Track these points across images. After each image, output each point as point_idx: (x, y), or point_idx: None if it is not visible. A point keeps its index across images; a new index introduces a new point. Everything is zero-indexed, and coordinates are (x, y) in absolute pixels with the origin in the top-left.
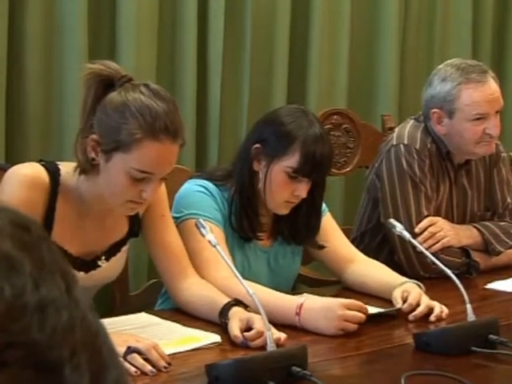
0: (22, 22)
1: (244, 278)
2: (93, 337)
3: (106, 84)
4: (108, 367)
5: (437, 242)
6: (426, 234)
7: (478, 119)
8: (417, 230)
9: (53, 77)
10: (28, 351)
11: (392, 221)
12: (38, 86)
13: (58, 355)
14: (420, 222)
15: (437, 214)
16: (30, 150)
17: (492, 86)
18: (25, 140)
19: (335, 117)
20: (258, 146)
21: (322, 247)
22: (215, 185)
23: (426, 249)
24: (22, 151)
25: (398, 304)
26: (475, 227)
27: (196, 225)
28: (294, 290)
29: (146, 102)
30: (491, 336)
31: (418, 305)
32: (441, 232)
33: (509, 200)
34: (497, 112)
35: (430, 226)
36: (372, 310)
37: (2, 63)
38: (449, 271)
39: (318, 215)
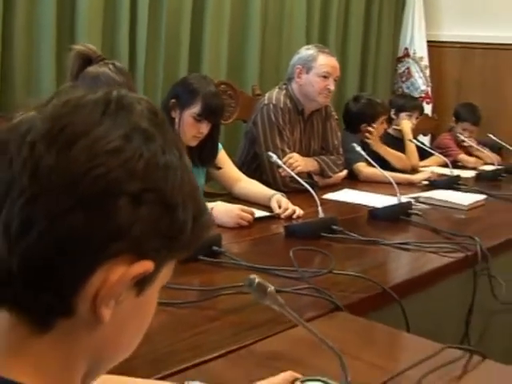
0: (12, 21)
1: None
2: (194, 190)
3: (86, 60)
4: (202, 211)
5: (294, 169)
6: (287, 164)
7: (324, 77)
8: (280, 163)
9: (33, 55)
10: (157, 195)
11: (270, 153)
12: (23, 64)
13: (176, 200)
14: (283, 155)
15: (293, 150)
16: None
17: (335, 61)
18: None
19: (222, 86)
20: (173, 100)
21: (219, 168)
22: None
23: (288, 169)
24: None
25: (276, 210)
26: (315, 159)
27: None
28: None
29: (112, 75)
30: (334, 227)
31: (286, 208)
32: (296, 163)
33: (336, 142)
34: (335, 80)
35: (289, 159)
36: (258, 213)
37: None
38: (306, 185)
39: (216, 147)
